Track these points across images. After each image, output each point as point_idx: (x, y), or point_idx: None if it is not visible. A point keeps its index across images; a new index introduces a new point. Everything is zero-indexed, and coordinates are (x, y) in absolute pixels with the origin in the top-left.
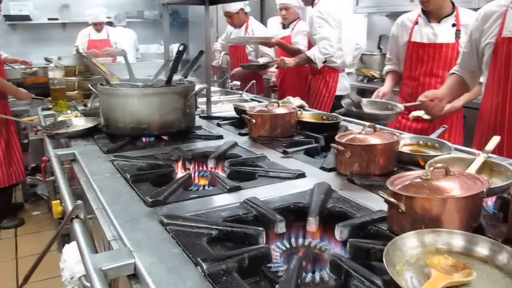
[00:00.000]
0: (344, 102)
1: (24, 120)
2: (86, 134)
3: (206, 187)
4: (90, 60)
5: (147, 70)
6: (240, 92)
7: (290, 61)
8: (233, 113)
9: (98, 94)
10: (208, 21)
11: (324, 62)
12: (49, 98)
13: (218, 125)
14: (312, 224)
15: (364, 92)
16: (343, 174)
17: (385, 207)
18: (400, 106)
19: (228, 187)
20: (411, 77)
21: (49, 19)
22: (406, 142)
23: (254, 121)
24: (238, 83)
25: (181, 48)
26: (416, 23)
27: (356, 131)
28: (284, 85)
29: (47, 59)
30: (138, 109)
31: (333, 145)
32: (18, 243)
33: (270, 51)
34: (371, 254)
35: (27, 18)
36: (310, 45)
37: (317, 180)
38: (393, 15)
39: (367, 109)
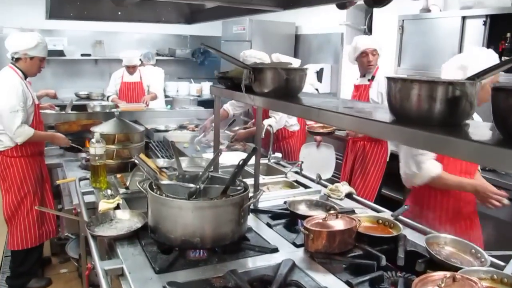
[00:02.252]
0: None
1: (61, 182)
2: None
3: None
4: (138, 157)
5: (180, 118)
6: (285, 171)
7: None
8: (280, 202)
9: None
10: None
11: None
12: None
13: (268, 225)
14: None
15: None
16: None
17: None
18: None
19: None
20: None
21: (82, 54)
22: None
23: (312, 236)
24: (280, 155)
25: (241, 163)
26: None
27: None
28: None
29: (77, 95)
30: (192, 222)
31: None
32: None
33: None
34: None
35: (61, 53)
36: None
37: None
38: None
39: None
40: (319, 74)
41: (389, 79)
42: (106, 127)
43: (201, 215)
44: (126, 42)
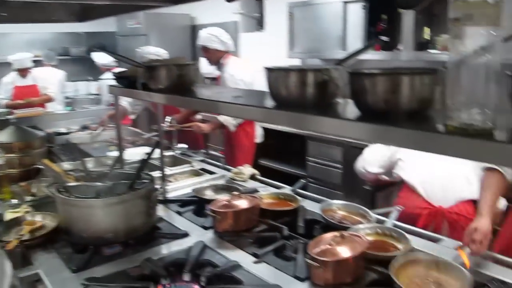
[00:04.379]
0: None
1: None
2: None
3: None
4: (42, 163)
5: (82, 119)
6: (189, 160)
7: (206, 128)
8: (188, 190)
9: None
10: None
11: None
12: None
13: (178, 213)
14: None
15: (304, 141)
16: (317, 284)
17: None
18: None
19: None
20: None
21: None
22: (367, 232)
23: (219, 217)
24: (185, 146)
25: (145, 157)
26: None
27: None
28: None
29: None
30: (103, 219)
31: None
32: None
33: None
34: None
35: None
36: None
37: None
38: (326, 60)
39: None
40: None
41: (267, 69)
42: (3, 136)
43: (111, 211)
44: (15, 43)
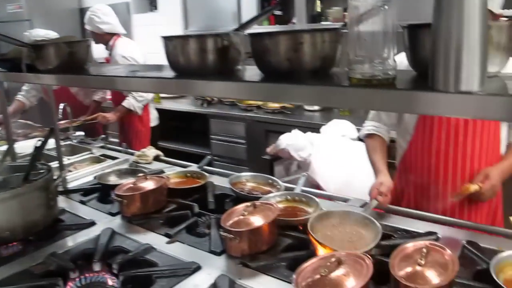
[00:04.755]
0: None
1: None
2: None
3: None
4: None
5: None
6: (88, 148)
7: (113, 117)
8: (90, 178)
9: None
10: None
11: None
12: None
13: (82, 202)
14: None
15: (206, 119)
16: (233, 256)
17: None
18: None
19: None
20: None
21: None
22: (277, 200)
23: (126, 201)
24: (82, 133)
25: (38, 145)
26: None
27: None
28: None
29: None
30: None
31: None
32: None
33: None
34: None
35: None
36: None
37: (213, 270)
38: None
39: None
40: None
41: (165, 38)
42: None
43: (5, 207)
44: None
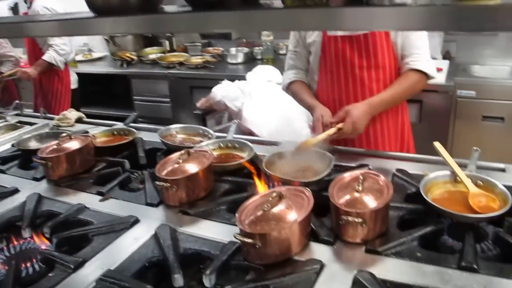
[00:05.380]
0: None
1: None
2: None
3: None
4: None
5: None
6: (2, 115)
7: (33, 72)
8: (8, 146)
9: None
10: None
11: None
12: None
13: (1, 171)
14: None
15: (127, 80)
16: (172, 206)
17: None
18: None
19: (72, 266)
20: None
21: None
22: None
23: (50, 163)
24: None
25: None
26: None
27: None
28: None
29: None
30: None
31: None
32: None
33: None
34: None
35: None
36: None
37: (152, 221)
38: None
39: None
40: (15, 10)
41: None
42: None
43: None
44: None
